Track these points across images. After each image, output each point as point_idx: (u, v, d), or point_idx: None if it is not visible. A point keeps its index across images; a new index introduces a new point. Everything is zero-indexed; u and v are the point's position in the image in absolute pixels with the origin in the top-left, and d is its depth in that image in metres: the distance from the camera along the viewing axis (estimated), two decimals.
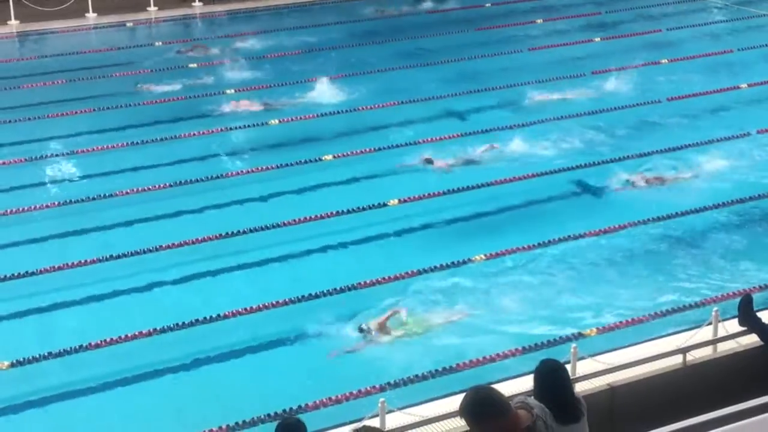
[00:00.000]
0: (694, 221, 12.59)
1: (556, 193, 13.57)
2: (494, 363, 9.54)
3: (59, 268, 11.49)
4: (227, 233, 12.27)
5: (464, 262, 11.54)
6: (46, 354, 9.88)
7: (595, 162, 14.36)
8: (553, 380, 5.98)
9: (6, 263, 11.68)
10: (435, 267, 11.42)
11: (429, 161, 14.42)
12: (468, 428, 4.95)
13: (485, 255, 11.66)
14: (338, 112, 16.63)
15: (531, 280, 11.29)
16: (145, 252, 11.85)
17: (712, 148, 14.75)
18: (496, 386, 5.63)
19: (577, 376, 8.16)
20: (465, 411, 4.87)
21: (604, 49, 20.14)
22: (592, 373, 8.33)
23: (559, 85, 17.56)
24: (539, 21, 22.47)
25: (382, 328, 10.17)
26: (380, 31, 21.74)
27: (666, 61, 19.22)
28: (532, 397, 5.50)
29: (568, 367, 7.89)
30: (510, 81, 17.88)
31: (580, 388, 7.97)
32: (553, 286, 11.16)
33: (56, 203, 13.36)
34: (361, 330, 10.16)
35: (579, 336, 9.87)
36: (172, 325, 10.32)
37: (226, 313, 10.55)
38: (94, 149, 15.16)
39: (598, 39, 20.95)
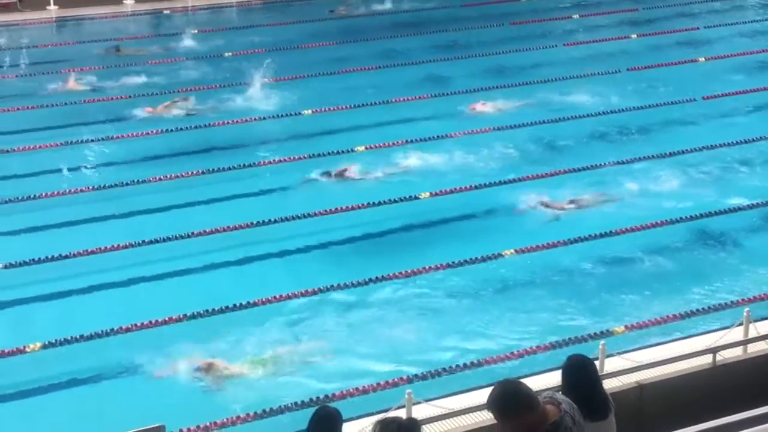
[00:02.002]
0: (729, 221, 12.46)
1: (600, 185, 13.47)
2: (522, 358, 9.52)
3: (91, 252, 11.60)
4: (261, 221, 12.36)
5: (496, 256, 11.55)
6: (77, 336, 9.99)
7: (629, 159, 14.24)
8: (580, 375, 5.96)
9: (40, 246, 11.81)
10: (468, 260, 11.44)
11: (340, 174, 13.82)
12: (495, 422, 4.94)
13: (514, 250, 11.65)
14: (371, 104, 16.56)
15: (558, 277, 11.29)
16: (175, 238, 11.94)
17: (750, 148, 14.62)
18: (523, 381, 5.61)
19: (605, 373, 8.12)
20: (492, 404, 4.87)
21: (641, 46, 19.98)
22: (621, 370, 8.28)
23: (592, 81, 17.43)
24: (576, 16, 22.33)
25: None
26: (416, 23, 21.68)
27: (703, 59, 19.03)
28: (561, 393, 5.49)
29: (596, 364, 7.85)
30: (542, 77, 17.77)
31: (608, 385, 7.90)
32: (583, 284, 11.13)
33: (90, 188, 13.49)
34: None
35: (607, 333, 9.81)
36: (202, 312, 10.39)
37: (256, 300, 10.63)
38: (126, 135, 15.29)
39: (634, 36, 20.77)
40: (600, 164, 14.09)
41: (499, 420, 4.84)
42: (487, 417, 7.22)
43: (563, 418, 5.02)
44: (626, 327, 10.02)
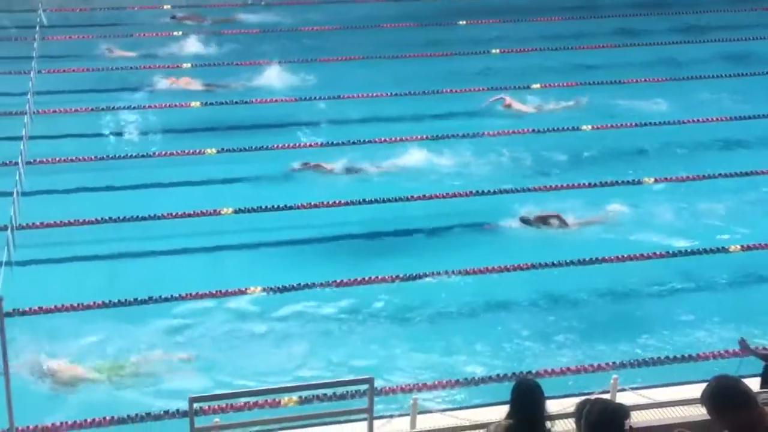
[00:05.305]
0: None
1: None
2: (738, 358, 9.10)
3: (314, 206, 12.05)
4: None
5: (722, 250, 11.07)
6: (296, 285, 10.42)
7: None
8: None
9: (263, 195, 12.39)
10: None
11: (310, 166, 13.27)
12: (707, 417, 4.74)
13: (740, 246, 11.09)
14: (601, 83, 16.14)
15: None
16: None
17: None
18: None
19: None
20: (707, 398, 4.67)
21: None
22: None
23: None
24: None
25: None
26: (655, 3, 20.83)
27: None
28: None
29: None
30: None
31: None
32: None
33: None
34: None
35: None
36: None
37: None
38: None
39: None
40: None
41: (712, 415, 4.63)
42: (696, 412, 6.96)
43: None
44: None
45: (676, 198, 12.49)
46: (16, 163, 11.83)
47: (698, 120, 14.67)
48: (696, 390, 5.13)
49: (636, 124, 14.49)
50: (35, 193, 11.94)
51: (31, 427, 7.96)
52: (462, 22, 19.17)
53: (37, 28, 16.20)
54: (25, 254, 10.67)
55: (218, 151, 13.46)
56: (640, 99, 15.49)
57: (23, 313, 9.64)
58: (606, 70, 16.69)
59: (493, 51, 17.42)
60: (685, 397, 7.41)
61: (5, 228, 10.42)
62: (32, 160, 12.57)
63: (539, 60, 17.20)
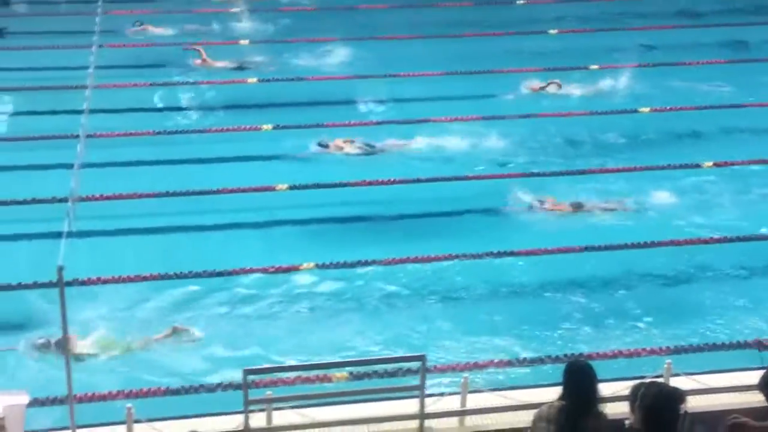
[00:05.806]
0: None
1: None
2: None
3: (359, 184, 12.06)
4: None
5: None
6: (342, 262, 10.44)
7: None
8: None
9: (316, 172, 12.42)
10: None
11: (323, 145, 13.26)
12: (765, 404, 4.72)
13: None
14: (660, 64, 15.89)
15: None
16: None
17: None
18: None
19: None
20: (765, 385, 4.65)
21: None
22: None
23: None
24: None
25: None
26: None
27: None
28: None
29: None
30: None
31: None
32: None
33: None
34: None
35: None
36: None
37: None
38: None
39: None
40: None
41: None
42: (753, 398, 6.87)
43: None
44: None
45: (734, 183, 12.31)
46: (77, 136, 11.99)
47: (760, 104, 14.40)
48: (752, 376, 5.08)
49: (696, 107, 14.28)
50: (95, 166, 12.12)
51: (88, 394, 8.11)
52: (520, 2, 19.07)
53: (100, 3, 16.38)
54: (85, 225, 10.84)
55: (274, 127, 13.54)
56: (700, 81, 15.26)
57: (83, 283, 9.83)
58: (666, 51, 16.51)
59: (551, 31, 17.27)
60: (741, 383, 7.33)
61: (65, 200, 10.58)
62: (92, 133, 12.74)
63: (597, 41, 17.00)
